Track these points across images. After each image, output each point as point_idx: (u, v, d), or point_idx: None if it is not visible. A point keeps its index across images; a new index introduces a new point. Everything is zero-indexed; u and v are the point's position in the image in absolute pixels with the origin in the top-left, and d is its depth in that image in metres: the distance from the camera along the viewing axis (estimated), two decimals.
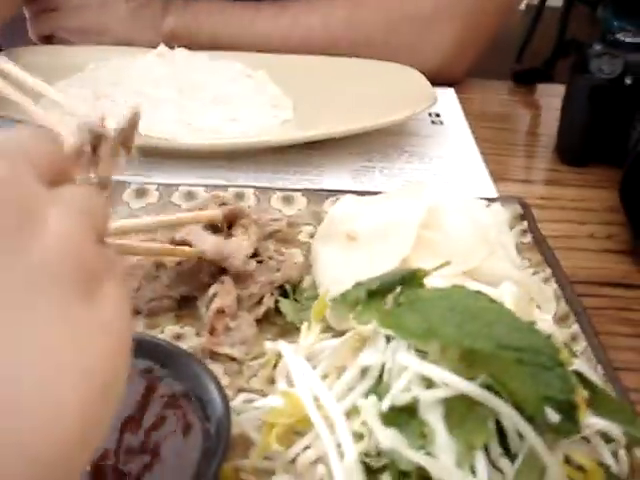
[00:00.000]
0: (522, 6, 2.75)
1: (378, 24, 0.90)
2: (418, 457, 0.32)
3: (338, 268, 0.49)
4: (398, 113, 0.72)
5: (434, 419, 0.33)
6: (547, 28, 3.58)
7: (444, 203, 0.53)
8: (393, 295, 0.39)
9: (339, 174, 0.71)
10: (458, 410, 0.34)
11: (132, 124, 0.35)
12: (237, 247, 0.48)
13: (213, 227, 0.51)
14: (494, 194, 0.69)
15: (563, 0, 3.58)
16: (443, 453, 0.33)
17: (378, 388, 0.36)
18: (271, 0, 0.97)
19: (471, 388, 0.33)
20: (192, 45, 0.91)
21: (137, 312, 0.49)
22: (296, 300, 0.50)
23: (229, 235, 0.50)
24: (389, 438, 0.33)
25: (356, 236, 0.50)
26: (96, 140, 0.33)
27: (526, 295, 0.41)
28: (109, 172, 0.34)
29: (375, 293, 0.39)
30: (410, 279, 0.39)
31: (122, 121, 0.35)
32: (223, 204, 0.51)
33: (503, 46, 1.01)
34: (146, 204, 0.59)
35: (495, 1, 0.91)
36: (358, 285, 0.40)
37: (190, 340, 0.47)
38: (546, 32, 3.56)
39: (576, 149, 0.77)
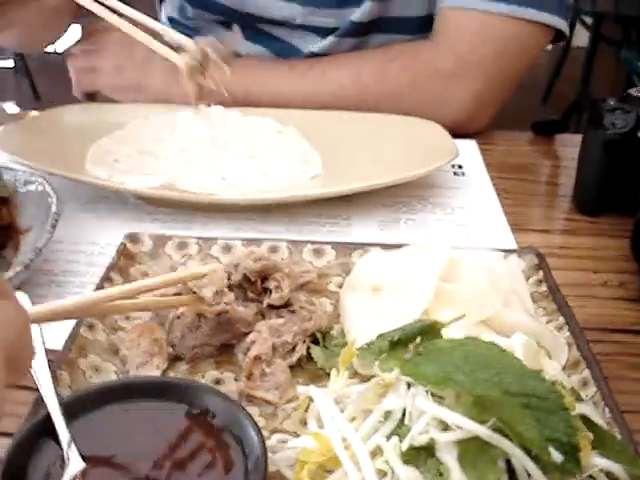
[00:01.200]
0: (548, 46, 2.81)
1: (404, 79, 0.95)
2: None
3: (365, 318, 0.53)
4: (422, 168, 0.77)
5: (450, 459, 0.37)
6: (573, 67, 3.63)
7: (462, 256, 0.57)
8: (413, 345, 0.43)
9: (367, 225, 0.76)
10: (471, 450, 0.38)
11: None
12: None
13: (248, 280, 0.55)
14: (513, 244, 0.73)
15: (589, 41, 3.64)
16: None
17: (399, 430, 0.40)
18: (302, 58, 1.03)
19: (483, 431, 0.37)
20: (227, 99, 0.96)
21: (180, 358, 0.53)
22: (326, 347, 0.54)
23: (263, 290, 0.55)
24: (409, 476, 0.37)
25: (381, 288, 0.54)
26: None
27: (535, 345, 0.45)
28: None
29: (397, 343, 0.43)
30: (429, 331, 0.43)
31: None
32: (258, 259, 0.56)
33: (529, 84, 1.04)
34: (186, 256, 0.64)
35: (517, 56, 0.96)
36: (382, 336, 0.44)
37: (229, 384, 0.51)
38: (572, 71, 3.61)
39: (591, 200, 0.80)
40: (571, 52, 3.57)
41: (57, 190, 0.72)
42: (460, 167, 0.88)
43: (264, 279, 0.56)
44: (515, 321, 0.53)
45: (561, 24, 0.95)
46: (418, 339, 0.43)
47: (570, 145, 0.96)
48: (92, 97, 1.05)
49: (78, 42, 1.03)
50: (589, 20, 3.50)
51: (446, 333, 0.45)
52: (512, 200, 0.83)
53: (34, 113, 0.95)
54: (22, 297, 0.52)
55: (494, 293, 0.54)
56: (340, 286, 0.61)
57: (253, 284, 0.55)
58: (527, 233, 0.76)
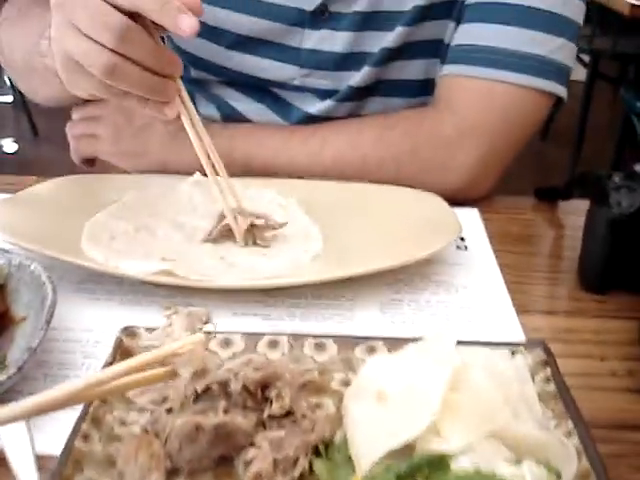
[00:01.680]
0: None
1: (405, 146, 0.94)
2: None
3: (369, 429, 0.52)
4: (425, 246, 0.75)
5: None
6: (571, 100, 3.64)
7: (469, 358, 0.56)
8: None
9: (369, 307, 0.74)
10: None
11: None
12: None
13: (247, 391, 0.53)
14: (517, 328, 0.72)
15: (586, 77, 3.66)
16: None
17: None
18: (303, 124, 1.02)
19: None
20: (227, 167, 0.95)
21: (178, 471, 0.52)
22: (329, 458, 0.52)
23: (264, 399, 0.53)
24: None
25: (386, 397, 0.53)
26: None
27: (546, 473, 0.43)
28: None
29: (404, 477, 0.41)
30: (437, 463, 0.42)
31: None
32: (258, 368, 0.54)
33: None
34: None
35: (519, 123, 0.95)
36: (388, 468, 0.42)
37: None
38: (570, 104, 3.62)
39: (596, 277, 0.79)
40: (569, 86, 3.59)
41: (52, 268, 0.71)
42: (462, 239, 0.87)
43: (264, 387, 0.54)
44: (524, 433, 0.51)
45: (562, 91, 0.95)
46: (426, 472, 0.42)
47: (574, 213, 0.95)
48: (90, 163, 1.04)
49: (77, 108, 1.02)
50: (586, 58, 3.52)
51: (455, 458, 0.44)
52: (515, 277, 0.81)
53: (33, 181, 0.94)
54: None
55: (503, 403, 0.52)
56: (343, 384, 0.60)
57: (253, 393, 0.54)
58: (531, 315, 0.75)
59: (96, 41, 0.69)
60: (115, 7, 0.68)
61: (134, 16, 0.70)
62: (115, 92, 0.73)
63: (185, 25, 0.68)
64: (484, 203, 0.97)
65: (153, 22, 0.70)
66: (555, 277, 0.83)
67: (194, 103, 1.18)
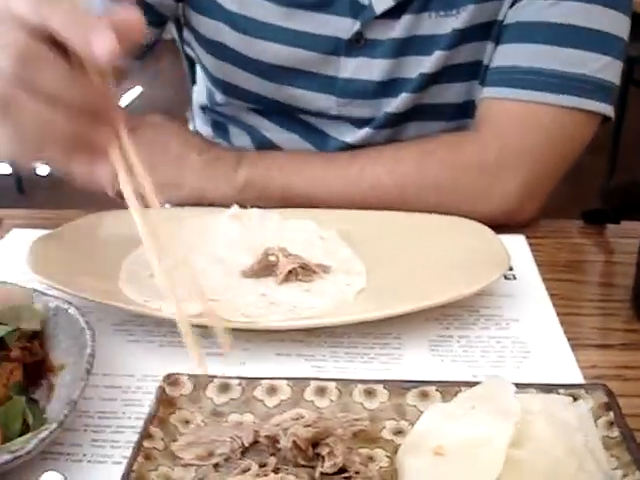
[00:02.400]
0: None
1: (445, 171, 0.91)
2: None
3: None
4: (473, 281, 0.72)
5: None
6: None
7: (527, 404, 0.53)
8: None
9: (417, 345, 0.71)
10: None
11: None
12: None
13: (297, 447, 0.51)
14: (573, 364, 0.69)
15: (620, 84, 3.60)
16: None
17: None
18: (339, 151, 1.00)
19: None
20: (264, 196, 0.94)
21: None
22: None
23: (315, 456, 0.51)
24: None
25: (444, 452, 0.50)
26: None
27: None
28: None
29: None
30: None
31: None
32: (308, 425, 0.52)
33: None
34: (229, 399, 0.60)
35: (564, 145, 0.92)
36: None
37: None
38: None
39: None
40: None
41: (89, 308, 0.69)
42: (511, 269, 0.83)
43: (315, 444, 0.51)
44: None
45: (608, 110, 0.92)
46: None
47: (625, 236, 0.92)
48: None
49: None
50: None
51: None
52: (566, 307, 0.78)
53: (67, 215, 0.92)
54: (52, 476, 0.48)
55: (567, 456, 0.49)
56: (395, 432, 0.57)
57: (304, 450, 0.51)
58: (585, 349, 0.72)
59: None
60: (20, 23, 0.51)
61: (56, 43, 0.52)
62: (21, 139, 0.55)
63: (99, 46, 0.49)
64: (530, 228, 0.94)
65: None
66: (608, 307, 0.80)
67: (227, 133, 1.17)
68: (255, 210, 0.89)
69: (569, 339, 0.73)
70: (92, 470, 0.57)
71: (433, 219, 0.87)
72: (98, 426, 0.62)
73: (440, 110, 1.01)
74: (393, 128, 1.02)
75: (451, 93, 0.99)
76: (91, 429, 0.62)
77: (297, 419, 0.53)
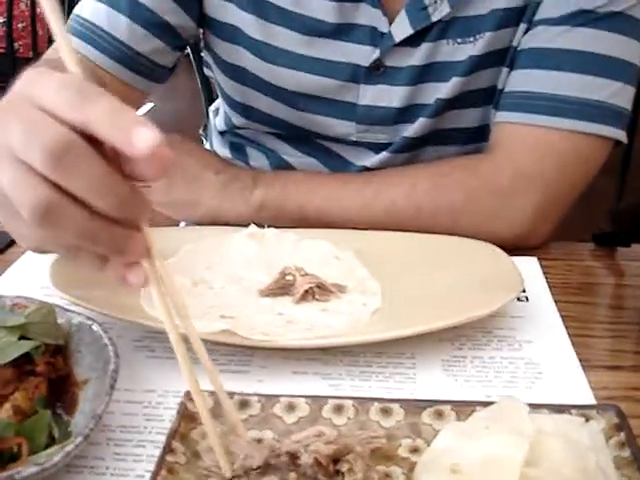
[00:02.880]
0: None
1: (460, 194, 0.93)
2: None
3: None
4: (486, 302, 0.74)
5: None
6: None
7: (541, 424, 0.54)
8: None
9: (431, 365, 0.73)
10: None
11: None
12: None
13: (318, 464, 0.52)
14: (585, 385, 0.70)
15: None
16: None
17: None
18: (355, 172, 1.02)
19: None
20: (280, 216, 0.95)
21: None
22: None
23: (335, 472, 0.52)
24: None
25: (460, 470, 0.51)
26: None
27: None
28: None
29: None
30: None
31: None
32: (329, 442, 0.53)
33: None
34: (249, 415, 0.62)
35: (577, 170, 0.94)
36: None
37: None
38: None
39: None
40: None
41: (111, 324, 0.71)
42: (523, 291, 0.85)
43: (336, 461, 0.53)
44: None
45: (620, 135, 0.93)
46: None
47: (636, 259, 0.94)
48: None
49: None
50: None
51: None
52: (578, 329, 0.79)
53: None
54: None
55: (580, 476, 0.51)
56: (411, 450, 0.58)
57: (324, 467, 0.53)
58: (596, 370, 0.73)
59: (29, 166, 0.47)
60: (59, 119, 0.47)
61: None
62: (59, 244, 0.54)
63: (140, 142, 0.46)
64: (542, 250, 0.95)
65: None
66: (618, 329, 0.81)
67: (245, 156, 1.19)
68: (271, 230, 0.90)
69: (580, 360, 0.74)
70: None
71: (448, 241, 0.89)
72: (120, 440, 0.64)
73: (456, 134, 1.03)
74: (410, 152, 1.03)
75: (467, 118, 1.01)
76: (114, 443, 0.63)
77: (318, 436, 0.54)
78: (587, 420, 0.59)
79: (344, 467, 0.52)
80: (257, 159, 1.15)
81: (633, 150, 3.54)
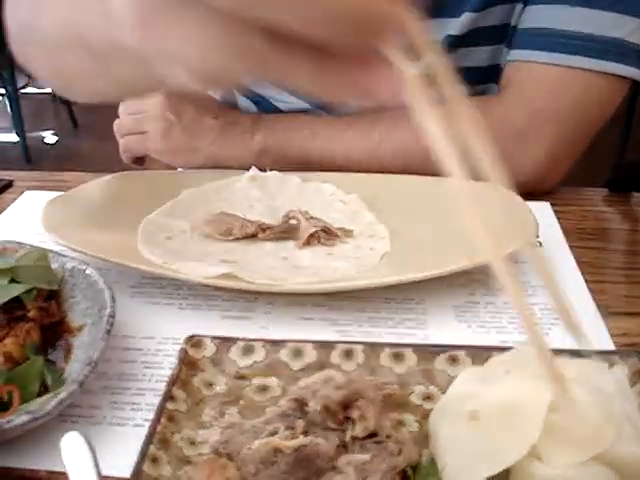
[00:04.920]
0: None
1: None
2: None
3: (463, 451, 0.47)
4: (502, 248, 0.70)
5: None
6: None
7: (567, 372, 0.51)
8: None
9: (442, 311, 0.70)
10: None
11: None
12: None
13: (327, 410, 0.49)
14: (604, 331, 0.67)
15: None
16: None
17: None
18: (361, 115, 0.98)
19: None
20: (282, 160, 0.91)
21: None
22: None
23: (345, 419, 0.49)
24: None
25: (478, 417, 0.48)
26: None
27: None
28: None
29: None
30: None
31: None
32: (339, 387, 0.50)
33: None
34: (253, 362, 0.58)
35: (593, 110, 0.90)
36: None
37: None
38: None
39: None
40: None
41: (106, 271, 0.67)
42: (537, 235, 0.81)
43: (346, 407, 0.50)
44: (630, 455, 0.47)
45: (638, 74, 0.89)
46: None
47: None
48: (140, 162, 1.01)
49: (123, 103, 0.98)
50: None
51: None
52: (594, 275, 0.76)
53: (81, 177, 0.91)
54: (74, 437, 0.47)
55: (606, 422, 0.47)
56: (424, 397, 0.55)
57: (334, 413, 0.49)
58: (614, 316, 0.70)
59: None
60: None
61: None
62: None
63: None
64: (554, 195, 0.92)
65: None
66: (636, 275, 0.78)
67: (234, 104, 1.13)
68: (274, 173, 0.87)
69: (598, 306, 0.71)
70: (113, 433, 0.56)
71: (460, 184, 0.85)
72: (118, 388, 0.61)
73: (466, 74, 0.98)
74: None
75: (477, 56, 0.97)
76: (111, 391, 0.60)
77: (327, 381, 0.51)
78: (611, 366, 0.55)
79: (355, 414, 0.49)
80: (247, 107, 1.11)
81: (637, 104, 3.49)
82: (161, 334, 0.67)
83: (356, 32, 0.32)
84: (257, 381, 0.57)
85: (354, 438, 0.49)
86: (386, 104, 0.36)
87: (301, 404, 0.51)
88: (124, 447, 0.54)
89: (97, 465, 0.46)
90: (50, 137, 3.93)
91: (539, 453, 0.46)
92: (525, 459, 0.46)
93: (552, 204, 0.89)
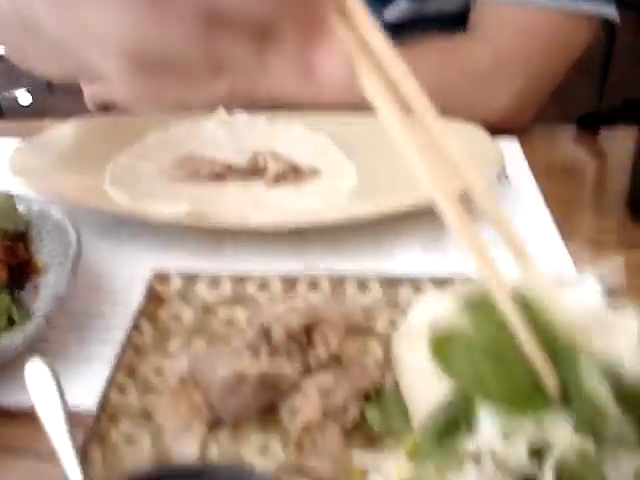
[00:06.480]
0: None
1: (437, 79, 0.88)
2: None
3: (423, 374, 0.48)
4: (467, 181, 0.71)
5: None
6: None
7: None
8: None
9: (410, 245, 0.70)
10: None
11: None
12: None
13: (291, 336, 0.50)
14: (569, 261, 0.68)
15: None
16: None
17: None
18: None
19: None
20: (250, 104, 0.91)
21: (221, 422, 0.48)
22: (380, 405, 0.49)
23: (309, 344, 0.50)
24: None
25: None
26: None
27: None
28: None
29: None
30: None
31: None
32: (302, 314, 0.50)
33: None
34: (219, 295, 0.59)
35: (563, 51, 0.89)
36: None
37: (275, 454, 0.46)
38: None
39: None
40: None
41: (73, 214, 0.67)
42: (504, 171, 0.82)
43: (308, 332, 0.50)
44: None
45: (612, 14, 0.88)
46: None
47: (619, 142, 0.91)
48: (106, 110, 0.99)
49: None
50: None
51: None
52: (561, 209, 0.76)
53: (49, 125, 0.90)
54: (37, 365, 0.47)
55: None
56: (389, 326, 0.56)
57: (297, 339, 0.50)
58: (581, 248, 0.71)
59: None
60: None
61: None
62: None
63: None
64: (524, 133, 0.92)
65: None
66: (603, 209, 0.79)
67: None
68: (242, 115, 0.86)
69: (564, 238, 0.71)
70: (80, 367, 0.56)
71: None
72: (86, 325, 0.61)
73: (439, 20, 0.98)
74: (392, 39, 0.98)
75: (450, 1, 0.96)
76: (79, 328, 0.60)
77: (292, 311, 0.52)
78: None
79: (317, 338, 0.50)
80: None
81: (613, 54, 3.47)
82: (129, 273, 0.67)
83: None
84: (224, 313, 0.58)
85: (318, 363, 0.50)
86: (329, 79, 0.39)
87: (265, 332, 0.51)
88: (92, 381, 0.54)
89: (61, 391, 0.46)
90: (24, 96, 3.88)
91: None
92: None
93: (520, 142, 0.89)
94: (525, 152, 0.87)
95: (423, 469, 0.39)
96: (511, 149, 0.86)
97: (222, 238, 0.71)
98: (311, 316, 0.50)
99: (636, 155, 0.75)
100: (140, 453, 0.46)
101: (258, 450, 0.47)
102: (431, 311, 0.51)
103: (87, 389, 0.52)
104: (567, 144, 0.92)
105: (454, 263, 0.67)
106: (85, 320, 0.61)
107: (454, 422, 0.40)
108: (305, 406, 0.47)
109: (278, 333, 0.50)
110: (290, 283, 0.58)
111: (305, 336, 0.50)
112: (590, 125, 0.94)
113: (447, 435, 0.40)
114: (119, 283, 0.66)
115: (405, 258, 0.69)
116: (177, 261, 0.68)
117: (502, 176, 0.80)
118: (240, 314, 0.57)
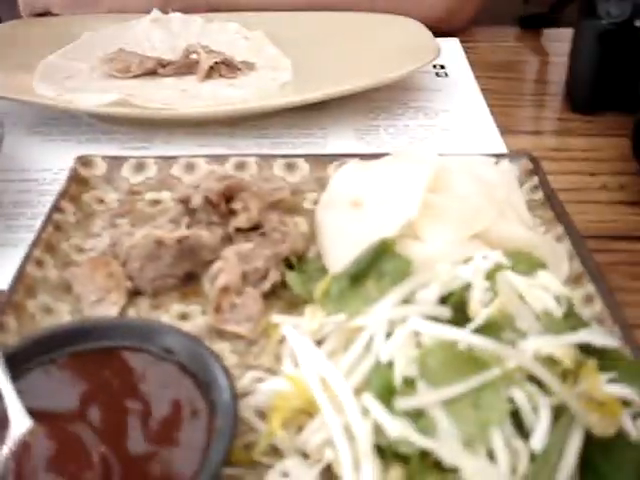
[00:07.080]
0: None
1: None
2: (426, 442, 0.32)
3: (344, 237, 0.48)
4: (401, 68, 0.70)
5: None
6: None
7: (450, 164, 0.51)
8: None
9: (343, 134, 0.70)
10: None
11: None
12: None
13: (210, 203, 0.49)
14: (503, 148, 0.67)
15: None
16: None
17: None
18: None
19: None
20: (188, 9, 0.89)
21: (141, 293, 0.48)
22: (302, 271, 0.48)
23: (229, 211, 0.49)
24: (397, 428, 0.32)
25: (361, 202, 0.49)
26: None
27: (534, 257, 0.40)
28: None
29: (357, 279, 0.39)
30: (383, 252, 0.39)
31: None
32: (221, 179, 0.50)
33: None
34: (145, 178, 0.58)
35: None
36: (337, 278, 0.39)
37: (196, 319, 0.46)
38: None
39: (585, 97, 0.74)
40: None
41: (3, 113, 0.65)
42: (442, 67, 0.81)
43: (229, 200, 0.50)
44: (511, 233, 0.47)
45: None
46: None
47: (559, 40, 0.90)
48: (41, 16, 0.97)
49: None
50: None
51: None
52: (499, 101, 0.76)
53: None
54: None
55: (487, 204, 0.48)
56: (316, 203, 0.55)
57: (217, 206, 0.49)
58: (517, 136, 0.71)
59: None
60: None
61: None
62: None
63: None
64: (464, 34, 0.91)
65: None
66: (541, 100, 0.79)
67: None
68: (177, 14, 0.84)
69: (502, 128, 0.71)
70: (7, 253, 0.55)
71: (364, 17, 0.84)
72: (13, 214, 0.60)
73: None
74: None
75: None
76: (5, 217, 0.59)
77: (209, 176, 0.51)
78: (498, 162, 0.56)
79: (238, 205, 0.49)
80: None
81: None
82: (58, 166, 0.65)
83: None
84: (149, 196, 0.57)
85: (238, 230, 0.49)
86: None
87: (186, 203, 0.50)
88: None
89: None
90: None
91: (418, 233, 0.47)
92: (405, 240, 0.46)
93: (462, 41, 0.89)
94: (466, 51, 0.87)
95: (333, 313, 0.39)
96: (451, 47, 0.86)
97: (152, 132, 0.69)
98: (231, 184, 0.50)
99: (574, 44, 0.74)
100: (58, 323, 0.46)
101: (177, 317, 0.46)
102: (351, 177, 0.51)
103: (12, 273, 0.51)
104: (509, 44, 0.92)
105: (386, 149, 0.67)
106: (12, 209, 0.60)
107: (363, 271, 0.40)
108: (224, 271, 0.46)
109: (197, 199, 0.49)
110: (217, 165, 0.58)
111: (225, 205, 0.49)
112: (532, 25, 0.93)
113: (356, 282, 0.39)
114: (48, 175, 0.65)
115: (337, 145, 0.68)
116: (108, 153, 0.67)
117: (440, 71, 0.80)
118: (166, 196, 0.56)
